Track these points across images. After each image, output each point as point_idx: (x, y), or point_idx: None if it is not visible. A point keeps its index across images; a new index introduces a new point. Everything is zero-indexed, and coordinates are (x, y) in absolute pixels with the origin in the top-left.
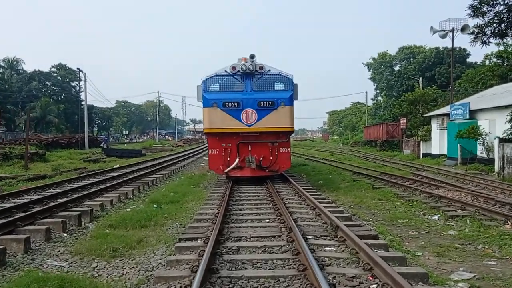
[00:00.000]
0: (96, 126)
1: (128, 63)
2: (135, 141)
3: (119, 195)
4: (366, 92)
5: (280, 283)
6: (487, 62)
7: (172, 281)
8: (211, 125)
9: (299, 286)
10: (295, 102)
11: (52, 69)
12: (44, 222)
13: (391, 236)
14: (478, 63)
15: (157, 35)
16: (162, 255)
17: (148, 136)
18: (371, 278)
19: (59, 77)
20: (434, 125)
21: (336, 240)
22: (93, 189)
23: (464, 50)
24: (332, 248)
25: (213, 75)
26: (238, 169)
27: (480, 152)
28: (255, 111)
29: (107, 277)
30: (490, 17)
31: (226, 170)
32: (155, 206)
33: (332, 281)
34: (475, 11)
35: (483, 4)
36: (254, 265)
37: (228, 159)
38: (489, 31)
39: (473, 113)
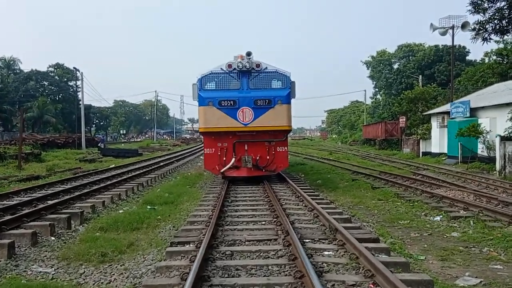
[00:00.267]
0: (94, 125)
1: (126, 62)
2: (133, 140)
3: (111, 196)
4: (365, 91)
5: None
6: (486, 60)
7: None
8: (206, 124)
9: None
10: (292, 100)
11: (50, 69)
12: (31, 226)
13: (392, 239)
14: (478, 61)
15: (155, 34)
16: (152, 260)
17: (146, 136)
18: (372, 286)
19: (56, 77)
20: (434, 123)
21: (335, 244)
22: (86, 190)
23: (464, 48)
24: (331, 252)
25: (208, 73)
26: (234, 169)
27: (481, 150)
28: (252, 109)
29: (93, 284)
30: (491, 14)
31: (222, 170)
32: (148, 207)
33: None
34: (476, 7)
35: (484, 0)
36: (248, 272)
37: (224, 158)
38: (490, 28)
39: (473, 111)
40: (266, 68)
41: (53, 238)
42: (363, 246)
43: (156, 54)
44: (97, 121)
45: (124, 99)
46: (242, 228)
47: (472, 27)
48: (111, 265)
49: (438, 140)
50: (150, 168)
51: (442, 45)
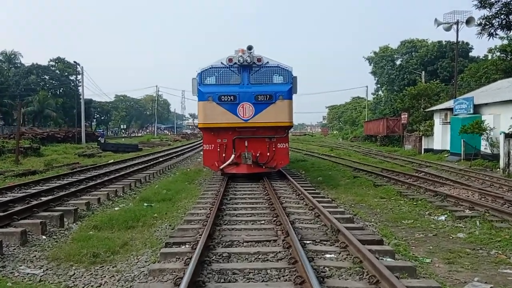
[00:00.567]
0: (94, 120)
1: (127, 57)
2: (133, 135)
3: (107, 193)
4: (367, 87)
5: None
6: (490, 56)
7: None
8: (206, 119)
9: None
10: (294, 96)
11: (51, 63)
12: (21, 224)
13: (396, 240)
14: (481, 57)
15: (156, 29)
16: (146, 261)
17: (147, 131)
18: None
19: (57, 71)
20: (437, 120)
21: (337, 246)
22: (82, 186)
23: (467, 44)
24: (333, 255)
25: (208, 67)
26: (234, 166)
27: (484, 147)
28: (252, 105)
29: (83, 287)
30: (497, 8)
31: (221, 167)
32: (145, 204)
33: None
34: (482, 1)
35: None
36: (245, 276)
37: (224, 155)
38: (497, 23)
39: (477, 108)
40: (268, 62)
41: (44, 237)
42: (366, 249)
43: (158, 49)
44: (98, 115)
45: (125, 94)
46: (241, 227)
47: (478, 22)
48: (103, 266)
49: (441, 137)
50: (149, 163)
51: (445, 41)
